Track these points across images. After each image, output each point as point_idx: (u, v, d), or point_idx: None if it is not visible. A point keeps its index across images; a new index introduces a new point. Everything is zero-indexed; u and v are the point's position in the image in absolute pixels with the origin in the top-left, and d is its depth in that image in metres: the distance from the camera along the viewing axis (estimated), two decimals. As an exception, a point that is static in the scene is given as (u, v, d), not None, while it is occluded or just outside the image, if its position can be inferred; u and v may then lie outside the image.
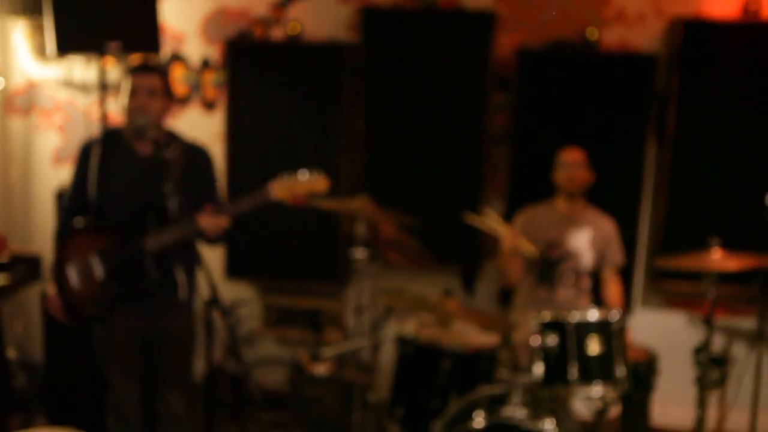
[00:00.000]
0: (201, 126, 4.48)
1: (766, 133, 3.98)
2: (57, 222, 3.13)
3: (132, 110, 2.90)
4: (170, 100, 3.04)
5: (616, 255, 3.90)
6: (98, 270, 2.91)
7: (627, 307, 4.15)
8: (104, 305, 2.92)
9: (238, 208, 2.83)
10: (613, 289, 3.92)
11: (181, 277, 2.97)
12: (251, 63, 4.35)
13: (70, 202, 3.07)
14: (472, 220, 3.64)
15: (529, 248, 3.54)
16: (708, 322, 2.98)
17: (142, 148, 2.92)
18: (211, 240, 2.95)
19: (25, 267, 4.01)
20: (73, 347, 3.72)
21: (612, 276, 3.92)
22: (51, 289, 2.99)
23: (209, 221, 2.79)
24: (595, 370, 2.90)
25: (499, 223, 3.61)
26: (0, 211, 4.70)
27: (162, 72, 3.02)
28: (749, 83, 3.97)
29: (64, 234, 3.02)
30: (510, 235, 3.57)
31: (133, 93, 2.91)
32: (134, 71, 2.95)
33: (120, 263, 2.89)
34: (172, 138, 3.04)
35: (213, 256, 4.21)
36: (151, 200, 2.87)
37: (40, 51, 4.67)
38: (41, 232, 4.69)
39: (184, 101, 4.59)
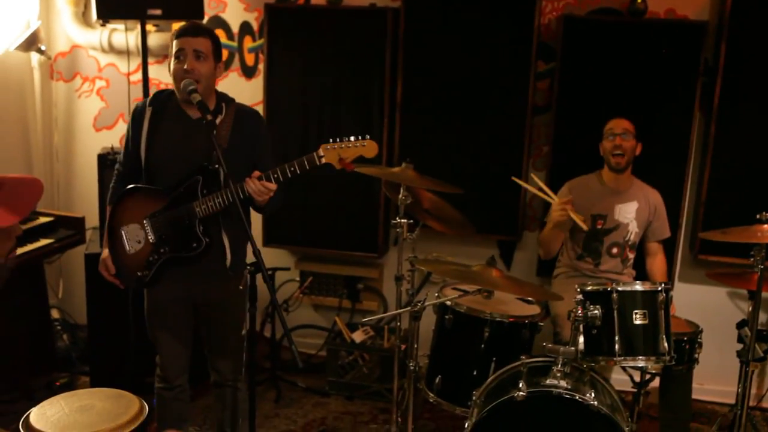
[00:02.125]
0: (241, 92, 4.44)
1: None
2: (110, 186, 3.11)
3: (179, 73, 2.84)
4: (219, 62, 2.96)
5: (662, 228, 3.85)
6: (149, 234, 2.91)
7: (670, 280, 4.10)
8: (154, 269, 2.93)
9: (286, 173, 2.79)
10: (658, 262, 3.88)
11: (228, 242, 2.96)
12: (291, 28, 4.31)
13: (123, 165, 3.07)
14: (522, 183, 3.58)
15: (579, 218, 3.48)
16: (754, 296, 2.91)
17: (193, 111, 2.86)
18: (260, 206, 2.93)
19: (68, 230, 4.06)
20: (115, 309, 3.75)
21: (657, 249, 3.88)
22: (104, 252, 3.00)
23: (257, 186, 2.76)
24: (639, 342, 2.85)
25: (548, 190, 3.56)
26: (43, 176, 4.75)
27: (210, 34, 2.93)
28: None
29: (116, 198, 3.00)
30: (561, 202, 3.51)
31: (181, 56, 2.84)
32: (181, 33, 2.86)
33: (170, 227, 2.89)
34: (223, 101, 3.00)
35: (252, 224, 4.21)
36: (202, 164, 2.84)
37: (83, 17, 4.69)
38: (83, 196, 4.75)
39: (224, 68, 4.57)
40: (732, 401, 3.65)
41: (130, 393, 2.46)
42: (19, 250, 3.57)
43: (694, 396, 4.09)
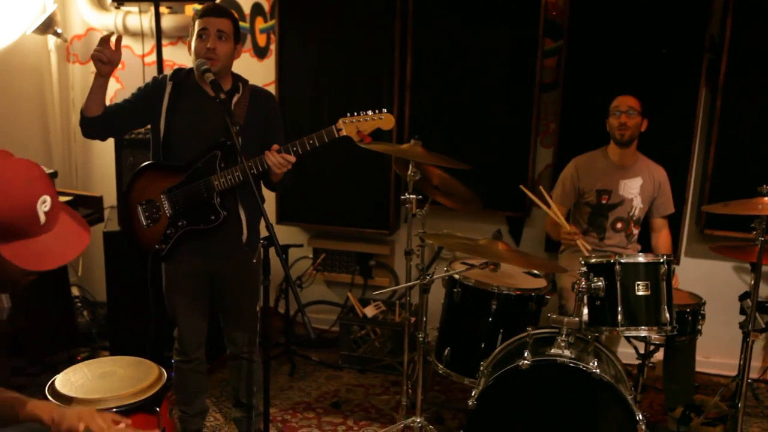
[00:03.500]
0: (253, 72, 4.49)
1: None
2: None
3: (202, 51, 2.91)
4: (238, 44, 3.03)
5: (666, 204, 3.90)
6: (166, 208, 3.00)
7: (676, 255, 4.16)
8: (171, 242, 3.01)
9: (305, 145, 2.87)
10: (662, 238, 3.93)
11: (243, 216, 3.04)
12: (301, 9, 4.37)
13: (109, 110, 2.99)
14: (528, 192, 3.63)
15: (584, 246, 3.53)
16: (755, 268, 2.97)
17: (210, 89, 2.91)
18: (276, 182, 3.01)
19: (86, 209, 4.15)
20: (133, 286, 3.85)
21: (662, 225, 3.94)
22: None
23: (277, 159, 2.84)
24: (641, 312, 2.90)
25: (551, 206, 3.60)
26: (61, 156, 4.86)
27: (232, 16, 3.00)
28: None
29: (132, 175, 3.08)
30: (569, 233, 3.58)
31: (204, 35, 2.92)
32: (205, 13, 2.94)
33: (188, 201, 2.97)
34: (239, 80, 3.08)
35: (265, 203, 4.29)
36: (220, 140, 2.92)
37: (98, 0, 4.77)
38: (101, 175, 4.85)
39: (236, 48, 4.65)
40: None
41: (149, 361, 2.57)
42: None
43: (701, 369, 4.19)
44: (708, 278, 4.17)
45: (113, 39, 2.87)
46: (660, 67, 4.02)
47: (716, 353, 4.21)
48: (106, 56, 2.84)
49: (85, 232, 1.76)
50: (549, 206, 3.56)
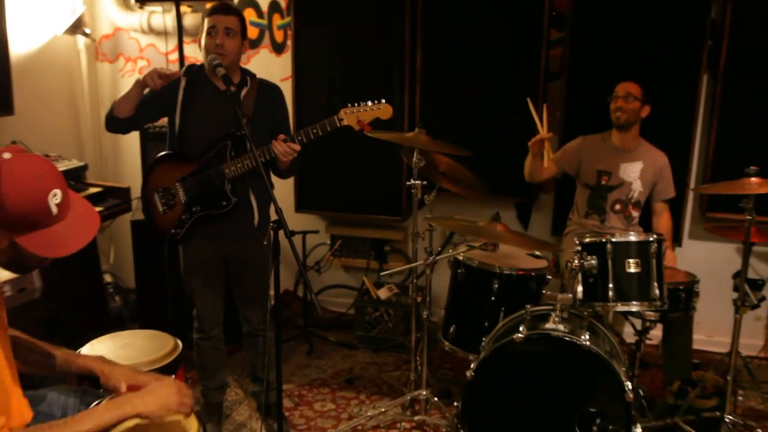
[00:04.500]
0: (271, 67, 4.73)
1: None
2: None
3: (211, 47, 3.09)
4: (245, 39, 3.22)
5: (667, 189, 3.99)
6: (180, 195, 3.21)
7: (678, 237, 4.26)
8: (186, 227, 3.21)
9: (309, 134, 3.05)
10: (663, 221, 4.03)
11: (254, 202, 3.23)
12: (316, 5, 4.53)
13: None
14: (531, 106, 3.78)
15: (548, 155, 3.75)
16: (746, 245, 3.08)
17: (221, 84, 3.07)
18: (284, 169, 3.19)
19: (116, 199, 4.38)
20: (159, 272, 4.06)
21: (663, 209, 4.03)
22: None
23: (283, 147, 3.02)
24: (632, 288, 3.02)
25: (544, 122, 3.75)
26: (92, 150, 5.10)
27: (239, 13, 3.19)
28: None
29: (148, 166, 3.30)
30: (541, 137, 3.76)
31: (213, 32, 3.10)
32: (214, 11, 3.12)
33: (201, 188, 3.17)
34: (247, 74, 3.27)
35: (284, 192, 4.51)
36: (230, 131, 3.11)
37: (123, 1, 5.00)
38: (129, 168, 5.09)
39: (255, 45, 4.84)
40: (742, 353, 3.84)
41: (167, 333, 2.78)
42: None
43: (705, 348, 4.30)
44: (710, 259, 4.27)
45: (167, 73, 3.15)
46: (662, 55, 4.11)
47: (719, 332, 4.31)
48: (154, 83, 3.12)
49: (95, 219, 1.93)
50: (541, 121, 3.75)
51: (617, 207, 3.93)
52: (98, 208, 4.19)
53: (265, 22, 4.83)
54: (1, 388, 1.81)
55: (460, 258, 3.55)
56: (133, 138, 4.82)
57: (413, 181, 3.50)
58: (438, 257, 3.46)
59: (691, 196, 4.31)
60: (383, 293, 4.60)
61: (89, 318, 4.45)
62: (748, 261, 3.13)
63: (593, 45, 4.23)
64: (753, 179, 3.03)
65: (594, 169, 3.93)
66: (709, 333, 4.32)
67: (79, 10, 4.68)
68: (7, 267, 1.87)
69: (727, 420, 3.19)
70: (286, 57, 4.76)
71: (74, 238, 1.83)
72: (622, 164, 3.91)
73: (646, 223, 4.06)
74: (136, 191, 4.46)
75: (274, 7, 4.80)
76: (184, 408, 2.00)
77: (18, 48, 4.32)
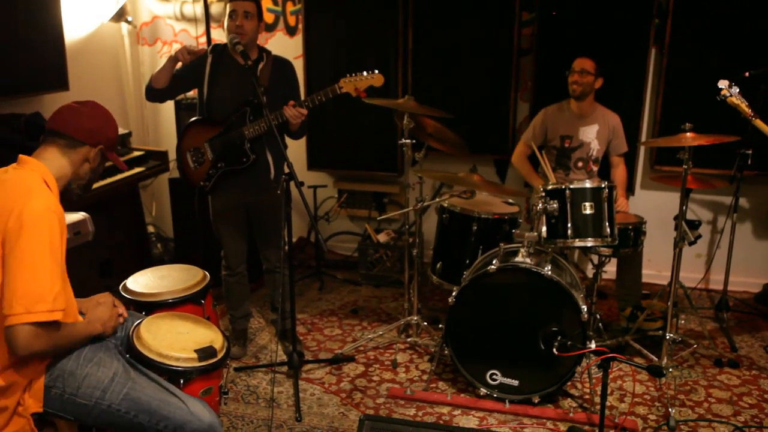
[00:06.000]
0: (286, 48, 4.69)
1: (749, 42, 3.94)
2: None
3: (233, 29, 3.13)
4: (261, 21, 3.24)
5: (621, 144, 4.00)
6: (208, 153, 3.25)
7: (631, 187, 4.28)
8: (213, 180, 3.27)
9: (314, 100, 3.09)
10: (619, 172, 4.04)
11: (270, 158, 3.27)
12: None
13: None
14: (539, 154, 3.71)
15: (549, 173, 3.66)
16: (682, 191, 3.09)
17: (240, 58, 3.13)
18: (294, 131, 3.22)
19: (155, 161, 4.42)
20: (194, 223, 4.11)
21: (618, 162, 4.04)
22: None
23: (293, 111, 3.08)
24: (588, 227, 3.07)
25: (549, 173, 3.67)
26: (135, 120, 5.12)
27: None
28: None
29: (182, 130, 3.34)
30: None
31: (233, 15, 3.13)
32: None
33: (225, 147, 3.21)
34: (263, 51, 3.29)
35: (297, 153, 4.52)
36: (248, 98, 3.14)
37: (160, -9, 4.98)
38: (167, 134, 5.10)
39: (271, 28, 4.82)
40: (684, 284, 3.90)
41: (197, 267, 2.83)
42: (119, 176, 3.94)
43: (655, 281, 4.33)
44: (659, 206, 4.28)
45: (195, 50, 3.17)
46: (615, 32, 4.10)
47: (666, 268, 4.28)
48: (183, 58, 3.15)
49: None
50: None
51: (580, 164, 3.94)
52: (140, 169, 4.23)
53: (279, 8, 4.80)
54: (69, 296, 2.04)
55: (445, 205, 3.59)
56: (169, 109, 4.87)
57: (404, 140, 3.52)
58: (425, 203, 3.49)
59: (642, 151, 4.32)
60: (382, 237, 4.65)
61: (135, 262, 4.49)
62: (686, 204, 3.14)
63: (557, 25, 4.21)
64: (688, 134, 3.04)
65: (558, 134, 3.94)
66: (659, 269, 4.36)
67: (122, 1, 4.66)
68: (84, 188, 2.14)
69: (668, 337, 3.24)
70: (298, 39, 4.74)
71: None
72: (581, 128, 3.91)
73: (606, 175, 4.07)
74: (172, 154, 4.47)
75: (287, -7, 4.77)
76: (115, 320, 2.20)
77: (71, 34, 4.31)
